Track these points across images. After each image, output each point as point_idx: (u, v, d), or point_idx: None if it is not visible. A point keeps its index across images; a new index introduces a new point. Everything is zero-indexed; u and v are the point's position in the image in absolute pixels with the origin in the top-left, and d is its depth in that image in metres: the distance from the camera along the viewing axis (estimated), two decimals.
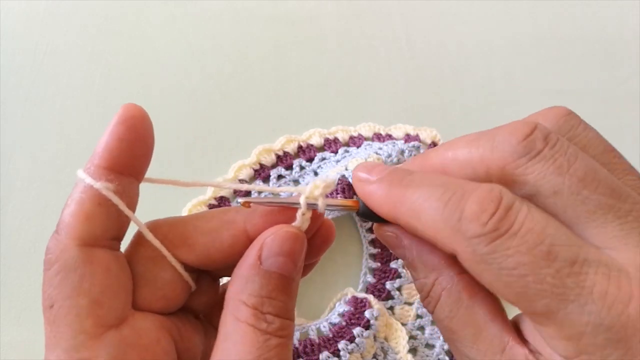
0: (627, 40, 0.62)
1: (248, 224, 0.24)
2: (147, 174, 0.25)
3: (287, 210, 0.24)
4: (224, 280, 0.31)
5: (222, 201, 0.49)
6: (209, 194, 0.49)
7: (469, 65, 0.60)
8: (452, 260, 0.22)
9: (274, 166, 0.52)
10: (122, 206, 0.22)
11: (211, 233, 0.24)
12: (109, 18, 0.58)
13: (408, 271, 0.25)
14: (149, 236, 0.23)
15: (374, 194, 0.23)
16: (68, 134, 0.52)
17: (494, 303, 0.22)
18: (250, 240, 0.24)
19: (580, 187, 0.20)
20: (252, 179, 0.51)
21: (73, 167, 0.50)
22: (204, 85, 0.55)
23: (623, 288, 0.18)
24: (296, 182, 0.51)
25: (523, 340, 0.21)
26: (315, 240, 0.26)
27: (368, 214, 0.24)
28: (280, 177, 0.51)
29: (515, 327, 0.22)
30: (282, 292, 0.22)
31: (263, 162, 0.51)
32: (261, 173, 0.51)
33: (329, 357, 0.42)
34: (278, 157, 0.52)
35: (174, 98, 0.54)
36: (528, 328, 0.21)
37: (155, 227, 0.24)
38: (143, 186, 0.25)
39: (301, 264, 0.23)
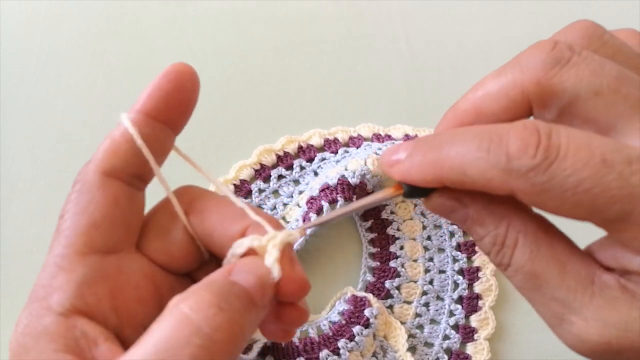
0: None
1: (248, 232, 0.24)
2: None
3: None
4: None
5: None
6: (231, 174, 0.51)
7: (468, 65, 0.60)
8: (519, 204, 0.22)
9: (274, 166, 0.52)
10: (140, 142, 0.23)
11: (220, 217, 0.25)
12: (111, 19, 0.59)
13: (472, 234, 0.23)
14: (167, 190, 0.25)
15: (411, 169, 0.23)
16: (70, 134, 0.52)
17: (567, 239, 0.22)
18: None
19: (618, 85, 0.20)
20: (252, 179, 0.51)
21: (75, 167, 0.50)
22: (205, 86, 0.55)
23: None
24: (296, 182, 0.51)
25: (607, 268, 0.21)
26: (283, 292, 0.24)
27: (415, 192, 0.24)
28: (280, 177, 0.51)
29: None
30: (239, 301, 0.20)
31: (264, 162, 0.51)
32: (262, 173, 0.51)
33: (328, 355, 0.42)
34: (278, 157, 0.52)
35: None
36: (606, 254, 0.21)
37: (188, 190, 0.26)
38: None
39: (266, 297, 0.22)
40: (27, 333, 0.22)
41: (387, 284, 0.47)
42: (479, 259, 0.49)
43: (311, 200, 0.47)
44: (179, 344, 0.18)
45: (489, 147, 0.20)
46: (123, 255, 0.24)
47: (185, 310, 0.19)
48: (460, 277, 0.48)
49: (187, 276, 0.27)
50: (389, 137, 0.54)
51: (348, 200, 0.46)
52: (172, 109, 0.24)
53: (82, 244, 0.22)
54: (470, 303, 0.47)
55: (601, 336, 0.20)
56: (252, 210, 0.25)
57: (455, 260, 0.49)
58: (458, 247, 0.49)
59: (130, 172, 0.24)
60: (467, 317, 0.47)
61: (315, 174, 0.51)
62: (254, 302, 0.21)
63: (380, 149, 0.50)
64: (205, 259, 0.26)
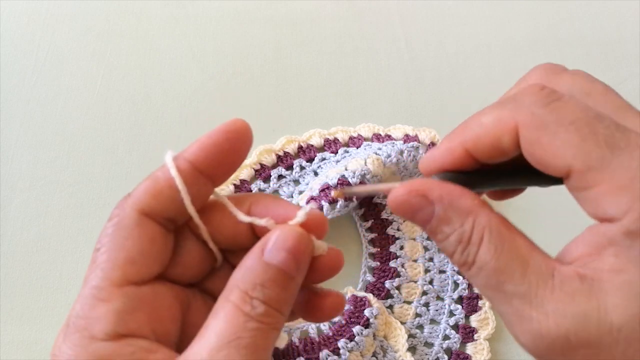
0: (626, 41, 0.63)
1: (252, 210, 0.26)
2: (145, 172, 0.26)
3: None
4: None
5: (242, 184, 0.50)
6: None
7: (468, 66, 0.60)
8: (482, 201, 0.23)
9: (274, 166, 0.52)
10: (186, 197, 0.24)
11: (227, 214, 0.25)
12: (111, 19, 0.59)
13: (436, 234, 0.24)
14: (196, 219, 0.25)
15: (440, 148, 0.25)
16: (70, 135, 0.52)
17: (527, 237, 0.23)
18: (255, 231, 0.26)
19: (607, 91, 0.24)
20: (252, 179, 0.51)
21: (74, 167, 0.51)
22: (205, 86, 0.56)
23: None
24: (296, 182, 0.51)
25: (566, 263, 0.22)
26: (321, 265, 0.26)
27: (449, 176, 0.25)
28: (280, 177, 0.51)
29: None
30: (276, 284, 0.23)
31: (264, 162, 0.51)
32: (262, 173, 0.51)
33: (329, 355, 0.42)
34: (278, 157, 0.52)
35: (175, 99, 0.55)
36: (568, 249, 0.22)
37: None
38: None
39: (304, 265, 0.24)
40: None
41: (387, 284, 0.47)
42: None
43: (311, 200, 0.47)
44: (238, 330, 0.22)
45: (502, 100, 0.23)
46: (155, 282, 0.25)
47: (236, 303, 0.22)
48: (460, 277, 0.48)
49: (200, 288, 0.27)
50: (389, 137, 0.54)
51: (348, 200, 0.46)
52: (220, 167, 0.25)
53: (118, 278, 0.23)
54: (470, 303, 0.47)
55: (560, 328, 0.20)
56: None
57: None
58: None
59: (166, 216, 0.24)
60: (467, 317, 0.47)
61: (315, 174, 0.51)
62: (290, 276, 0.23)
63: (380, 148, 0.50)
64: (219, 264, 0.27)
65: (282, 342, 0.25)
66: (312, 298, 0.27)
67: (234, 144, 0.24)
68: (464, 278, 0.48)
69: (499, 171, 0.25)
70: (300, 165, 0.52)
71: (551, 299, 0.21)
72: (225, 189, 0.50)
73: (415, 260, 0.49)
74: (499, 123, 0.23)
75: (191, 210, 0.24)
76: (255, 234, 0.26)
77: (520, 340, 0.22)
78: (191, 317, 0.26)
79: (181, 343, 0.24)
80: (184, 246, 0.26)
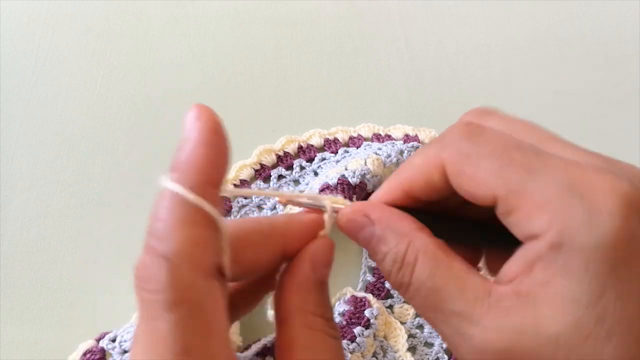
0: (626, 41, 0.63)
1: (288, 243, 0.25)
2: (145, 172, 0.25)
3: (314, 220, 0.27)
4: None
5: (242, 184, 0.50)
6: (231, 174, 0.50)
7: (468, 66, 0.60)
8: (421, 226, 0.24)
9: (274, 166, 0.52)
10: (226, 234, 0.21)
11: (253, 247, 0.24)
12: (111, 19, 0.59)
13: (375, 253, 0.25)
14: (226, 259, 0.22)
15: (383, 195, 0.26)
16: (70, 135, 0.52)
17: (465, 261, 0.23)
18: (285, 252, 0.25)
19: (534, 126, 0.25)
20: (252, 179, 0.51)
21: (74, 167, 0.51)
22: (205, 86, 0.56)
23: (580, 165, 0.22)
24: (296, 182, 0.51)
25: (500, 284, 0.22)
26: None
27: None
28: (280, 177, 0.51)
29: None
30: (328, 298, 0.24)
31: (264, 163, 0.51)
32: (262, 173, 0.51)
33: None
34: (278, 157, 0.52)
35: (175, 99, 0.55)
36: (504, 270, 0.23)
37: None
38: None
39: None
40: None
41: (387, 284, 0.47)
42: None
43: None
44: (340, 353, 0.24)
45: (433, 142, 0.25)
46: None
47: (328, 332, 0.23)
48: None
49: None
50: (389, 137, 0.54)
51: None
52: (223, 167, 0.22)
53: None
54: None
55: (500, 342, 0.21)
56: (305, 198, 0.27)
57: None
58: None
59: (217, 263, 0.20)
60: None
61: (315, 174, 0.51)
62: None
63: (380, 148, 0.50)
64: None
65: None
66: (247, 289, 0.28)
67: (224, 139, 0.22)
68: None
69: (457, 224, 0.27)
70: (300, 165, 0.52)
71: (488, 315, 0.21)
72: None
73: None
74: (428, 161, 0.24)
75: (226, 243, 0.21)
76: (285, 254, 0.25)
77: (467, 359, 0.22)
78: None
79: None
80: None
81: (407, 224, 0.24)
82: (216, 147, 0.21)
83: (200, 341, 0.18)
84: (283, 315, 0.24)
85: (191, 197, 0.19)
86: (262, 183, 0.51)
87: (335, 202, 0.26)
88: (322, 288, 0.24)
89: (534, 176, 0.21)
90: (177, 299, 0.18)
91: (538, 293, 0.21)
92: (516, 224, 0.22)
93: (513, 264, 0.22)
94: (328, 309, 0.24)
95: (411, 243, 0.23)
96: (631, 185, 0.21)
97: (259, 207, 0.49)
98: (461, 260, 0.23)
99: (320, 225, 0.26)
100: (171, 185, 0.19)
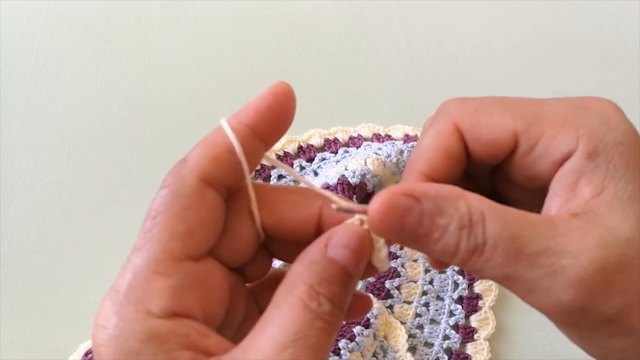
0: (626, 41, 0.63)
1: (325, 209, 0.25)
2: (145, 172, 0.25)
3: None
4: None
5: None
6: None
7: (467, 66, 0.60)
8: (462, 185, 0.23)
9: (274, 166, 0.52)
10: (244, 162, 0.23)
11: (292, 204, 0.25)
12: (111, 19, 0.59)
13: (431, 236, 0.22)
14: (250, 190, 0.25)
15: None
16: (70, 135, 0.52)
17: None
18: (320, 225, 0.25)
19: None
20: (252, 179, 0.51)
21: (74, 167, 0.51)
22: (205, 86, 0.56)
23: (570, 98, 0.24)
24: (296, 182, 0.51)
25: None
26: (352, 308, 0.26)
27: None
28: (280, 177, 0.51)
29: None
30: (339, 282, 0.22)
31: (264, 162, 0.51)
32: (262, 173, 0.51)
33: (329, 356, 0.42)
34: (278, 157, 0.52)
35: (175, 99, 0.55)
36: (546, 208, 0.24)
37: (254, 186, 0.26)
38: None
39: (362, 265, 0.23)
40: (127, 337, 0.21)
41: (387, 284, 0.47)
42: None
43: None
44: (305, 328, 0.21)
45: (430, 122, 0.27)
46: (206, 260, 0.24)
47: (302, 297, 0.21)
48: (460, 277, 0.48)
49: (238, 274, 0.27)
50: (389, 137, 0.54)
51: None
52: (273, 127, 0.24)
53: (178, 251, 0.22)
54: (470, 303, 0.47)
55: (592, 263, 0.21)
56: (333, 195, 0.25)
57: None
58: None
59: (225, 183, 0.24)
60: (467, 317, 0.47)
61: (315, 174, 0.51)
62: (351, 275, 0.22)
63: (380, 148, 0.50)
64: (261, 240, 0.26)
65: None
66: None
67: (284, 105, 0.24)
68: (464, 278, 0.48)
69: None
70: (300, 165, 0.52)
71: (569, 242, 0.21)
72: None
73: (415, 260, 0.49)
74: (440, 134, 0.25)
75: (248, 178, 0.24)
76: (319, 229, 0.25)
77: (563, 298, 0.21)
78: (232, 302, 0.25)
79: (220, 328, 0.24)
80: (236, 225, 0.25)
81: (453, 188, 0.22)
82: (268, 105, 0.24)
83: (166, 214, 0.22)
84: (284, 278, 0.23)
85: (226, 127, 0.23)
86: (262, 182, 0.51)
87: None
88: (331, 267, 0.22)
89: (544, 106, 0.23)
90: (169, 181, 0.23)
91: (594, 206, 0.21)
92: (544, 154, 0.23)
93: (552, 199, 0.23)
94: (324, 284, 0.22)
95: (469, 202, 0.22)
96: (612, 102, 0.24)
97: (295, 183, 0.49)
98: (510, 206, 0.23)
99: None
100: (222, 120, 0.23)
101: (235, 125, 0.23)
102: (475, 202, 0.22)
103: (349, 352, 0.42)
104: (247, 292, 0.27)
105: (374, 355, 0.44)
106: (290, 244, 0.25)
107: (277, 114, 0.24)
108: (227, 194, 0.24)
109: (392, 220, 0.22)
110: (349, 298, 0.23)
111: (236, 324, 0.24)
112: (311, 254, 0.23)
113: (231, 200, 0.25)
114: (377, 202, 0.22)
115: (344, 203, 0.24)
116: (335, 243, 0.22)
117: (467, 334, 0.46)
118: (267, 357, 0.20)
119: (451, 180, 0.25)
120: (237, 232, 0.25)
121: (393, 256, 0.48)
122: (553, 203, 0.23)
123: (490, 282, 0.48)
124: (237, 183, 0.24)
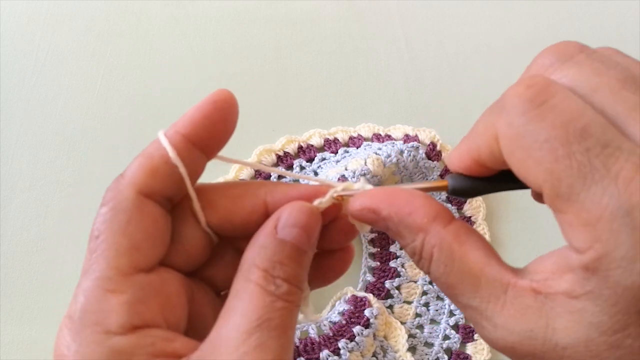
0: (626, 41, 0.63)
1: (269, 196, 0.25)
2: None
3: (310, 193, 0.25)
4: None
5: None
6: (231, 175, 0.50)
7: (468, 66, 0.60)
8: (437, 212, 0.23)
9: (274, 166, 0.52)
10: (183, 172, 0.23)
11: (234, 199, 0.25)
12: (111, 19, 0.59)
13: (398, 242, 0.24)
14: (191, 191, 0.25)
15: (451, 156, 0.25)
16: (70, 134, 0.52)
17: (485, 247, 0.23)
18: (268, 213, 0.25)
19: (623, 85, 0.21)
20: (252, 179, 0.51)
21: (74, 167, 0.51)
22: (205, 86, 0.56)
23: None
24: (296, 182, 0.51)
25: (522, 277, 0.22)
26: (330, 261, 0.27)
27: (459, 190, 0.25)
28: (280, 177, 0.51)
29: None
30: (293, 260, 0.23)
31: (264, 162, 0.51)
32: (262, 173, 0.51)
33: (329, 355, 0.42)
34: (278, 157, 0.52)
35: (175, 99, 0.55)
36: (540, 259, 0.22)
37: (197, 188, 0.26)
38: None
39: (314, 240, 0.24)
40: None
41: (387, 284, 0.47)
42: None
43: None
44: (267, 311, 0.21)
45: (494, 104, 0.22)
46: (158, 269, 0.24)
47: (259, 282, 0.22)
48: None
49: (201, 278, 0.27)
50: (389, 137, 0.54)
51: None
52: (212, 137, 0.24)
53: (126, 266, 0.22)
54: None
55: (506, 342, 0.21)
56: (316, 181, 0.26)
57: None
58: None
59: (165, 195, 0.24)
60: None
61: (315, 174, 0.51)
62: (304, 251, 0.23)
63: (380, 148, 0.50)
64: (215, 242, 0.27)
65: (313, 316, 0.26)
66: (321, 262, 0.27)
67: (223, 113, 0.24)
68: None
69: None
70: (300, 165, 0.52)
71: (501, 314, 0.21)
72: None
73: None
74: (487, 131, 0.22)
75: (188, 185, 0.24)
76: (268, 217, 0.25)
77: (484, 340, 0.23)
78: (194, 306, 0.25)
79: (187, 332, 0.24)
80: (182, 229, 0.25)
81: (420, 216, 0.23)
82: (205, 114, 0.24)
83: (108, 232, 0.22)
84: (239, 265, 0.24)
85: (162, 137, 0.23)
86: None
87: (348, 187, 0.25)
88: (283, 248, 0.23)
89: (589, 186, 0.19)
90: (107, 197, 0.23)
91: (559, 301, 0.20)
92: (559, 223, 0.21)
93: (548, 260, 0.21)
94: (278, 265, 0.22)
95: (426, 238, 0.23)
96: None
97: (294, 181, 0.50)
98: (477, 250, 0.22)
99: (307, 197, 0.25)
100: (159, 132, 0.24)
101: (171, 135, 0.23)
102: (433, 241, 0.22)
103: (349, 351, 0.42)
104: (218, 299, 0.27)
105: (374, 355, 0.44)
106: (247, 238, 0.25)
107: (215, 123, 0.24)
108: (171, 204, 0.24)
109: (363, 222, 0.25)
110: (306, 272, 0.24)
111: (208, 326, 0.24)
112: (261, 238, 0.23)
113: (177, 207, 0.25)
114: (351, 209, 0.24)
115: (341, 186, 0.25)
116: (283, 224, 0.23)
117: (467, 334, 0.46)
118: (235, 346, 0.21)
119: (499, 166, 0.23)
120: (186, 238, 0.25)
121: (393, 256, 0.48)
122: (545, 263, 0.21)
123: None
124: (179, 192, 0.24)
